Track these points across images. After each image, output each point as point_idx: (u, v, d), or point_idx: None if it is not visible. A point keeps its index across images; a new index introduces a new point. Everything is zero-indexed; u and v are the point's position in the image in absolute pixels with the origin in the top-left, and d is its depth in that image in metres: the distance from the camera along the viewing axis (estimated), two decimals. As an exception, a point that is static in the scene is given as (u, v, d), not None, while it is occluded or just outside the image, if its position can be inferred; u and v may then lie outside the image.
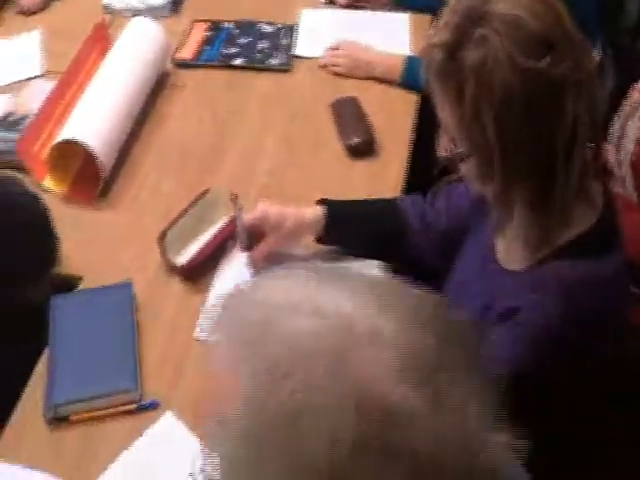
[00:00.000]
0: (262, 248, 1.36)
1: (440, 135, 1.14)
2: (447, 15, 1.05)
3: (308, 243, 1.40)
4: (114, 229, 1.51)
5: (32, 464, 1.17)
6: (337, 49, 1.80)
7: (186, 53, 1.87)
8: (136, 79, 1.72)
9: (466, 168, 1.13)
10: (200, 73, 1.84)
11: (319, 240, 1.40)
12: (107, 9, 2.04)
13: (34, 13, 2.09)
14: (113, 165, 1.59)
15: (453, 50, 1.02)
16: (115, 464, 1.17)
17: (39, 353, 1.33)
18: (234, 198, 1.36)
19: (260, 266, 1.34)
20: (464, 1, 1.06)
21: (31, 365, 1.33)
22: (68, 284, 1.42)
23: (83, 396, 1.24)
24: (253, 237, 1.36)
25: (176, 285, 1.39)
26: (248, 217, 1.35)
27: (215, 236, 1.40)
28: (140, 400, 1.23)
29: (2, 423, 1.24)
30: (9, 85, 1.86)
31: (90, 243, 1.48)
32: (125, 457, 1.18)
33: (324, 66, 1.81)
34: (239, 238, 1.36)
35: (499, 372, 1.10)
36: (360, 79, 1.77)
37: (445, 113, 1.08)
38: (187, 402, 1.22)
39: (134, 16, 1.92)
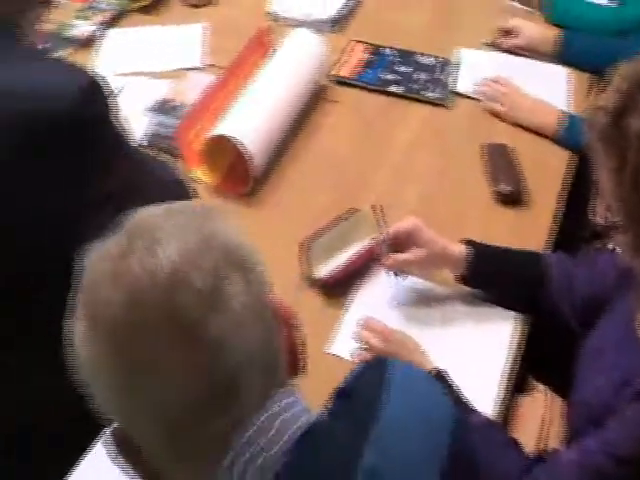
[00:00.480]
0: (401, 257, 1.36)
1: (595, 199, 1.13)
2: (616, 80, 1.04)
3: (447, 278, 1.41)
4: (257, 229, 1.51)
5: None
6: (497, 82, 1.81)
7: (345, 71, 1.90)
8: (294, 88, 1.75)
9: (620, 239, 1.11)
10: (355, 92, 1.86)
11: (460, 279, 1.39)
12: (271, 16, 2.09)
13: (199, 6, 2.16)
14: (264, 167, 1.62)
15: (619, 116, 1.01)
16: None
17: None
18: (378, 209, 1.37)
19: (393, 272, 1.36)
20: (635, 68, 1.05)
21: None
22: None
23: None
24: (392, 247, 1.36)
25: (312, 297, 1.40)
26: (398, 224, 1.35)
27: (359, 255, 1.41)
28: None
29: None
30: (170, 72, 1.93)
31: (233, 238, 1.51)
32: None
33: (482, 94, 1.81)
34: (381, 245, 1.37)
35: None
36: (513, 125, 1.76)
37: (603, 178, 1.06)
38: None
39: (296, 27, 1.96)
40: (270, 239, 1.51)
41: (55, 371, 1.01)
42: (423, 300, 1.41)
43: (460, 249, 1.38)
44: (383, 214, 1.38)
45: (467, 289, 1.41)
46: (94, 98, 1.26)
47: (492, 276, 1.38)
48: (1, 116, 1.21)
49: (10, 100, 1.22)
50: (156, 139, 1.73)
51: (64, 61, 1.32)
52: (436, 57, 1.93)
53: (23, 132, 1.21)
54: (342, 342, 1.33)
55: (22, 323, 1.32)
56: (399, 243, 1.36)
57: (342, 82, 1.88)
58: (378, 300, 1.39)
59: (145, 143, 1.71)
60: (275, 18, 2.09)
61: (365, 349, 1.28)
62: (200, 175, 1.64)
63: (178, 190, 1.45)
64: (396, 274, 1.39)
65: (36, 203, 1.24)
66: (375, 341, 1.27)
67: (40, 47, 1.40)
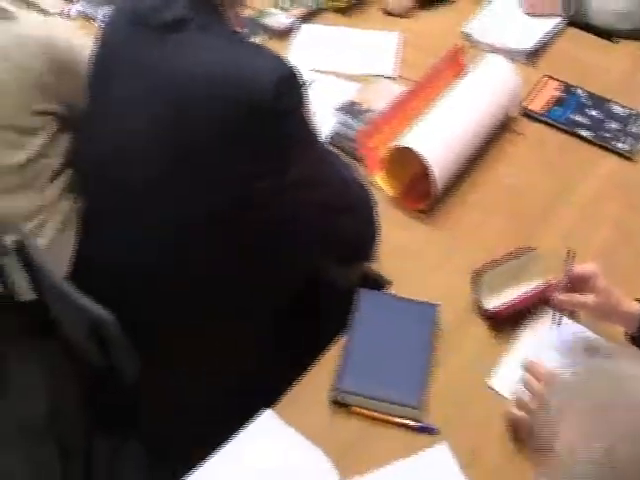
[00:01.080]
0: (577, 297, 1.33)
1: None
2: None
3: (615, 333, 1.37)
4: (432, 247, 1.54)
5: (306, 433, 1.22)
6: None
7: (535, 105, 1.88)
8: (484, 113, 1.75)
9: None
10: (542, 128, 1.84)
11: (629, 338, 1.36)
12: (466, 37, 2.09)
13: (397, 16, 2.18)
14: (444, 186, 1.62)
15: None
16: (381, 472, 1.20)
17: (332, 334, 1.38)
18: (570, 254, 1.35)
19: (560, 309, 1.35)
20: None
21: (321, 342, 1.39)
22: (376, 282, 1.47)
23: (367, 393, 1.27)
24: (568, 289, 1.34)
25: (481, 326, 1.40)
26: (580, 267, 1.33)
27: (531, 294, 1.39)
28: (420, 420, 1.25)
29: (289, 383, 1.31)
30: (360, 75, 1.96)
31: (406, 252, 1.52)
32: (390, 470, 1.20)
33: None
34: (559, 284, 1.35)
35: None
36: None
37: None
38: (464, 439, 1.23)
39: (490, 52, 1.95)
40: (442, 259, 1.52)
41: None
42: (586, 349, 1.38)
43: (635, 307, 1.34)
44: (573, 260, 1.35)
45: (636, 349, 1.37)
46: (292, 89, 1.30)
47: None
48: (202, 98, 1.27)
49: (214, 84, 1.27)
50: (339, 139, 1.76)
51: (267, 48, 1.35)
52: (630, 109, 1.88)
53: (223, 118, 1.26)
54: (503, 378, 1.32)
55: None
56: (575, 286, 1.34)
57: (530, 116, 1.86)
58: (544, 342, 1.37)
59: (328, 141, 1.74)
60: (469, 39, 2.09)
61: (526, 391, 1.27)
62: (379, 182, 1.65)
63: (359, 191, 1.48)
64: (561, 316, 1.37)
65: (230, 189, 1.29)
66: (537, 385, 1.26)
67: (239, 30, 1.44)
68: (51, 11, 1.58)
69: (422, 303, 1.40)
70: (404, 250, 1.53)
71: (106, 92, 1.43)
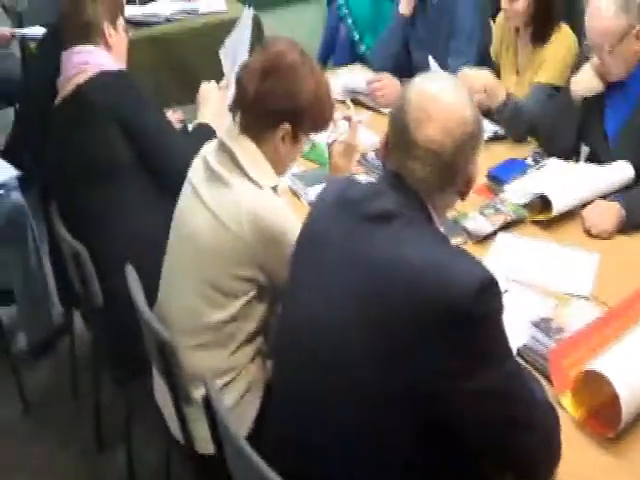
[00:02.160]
0: None
1: None
2: None
3: None
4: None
5: None
6: None
7: None
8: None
9: None
10: None
11: None
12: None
13: (596, 237, 2.18)
14: (633, 416, 1.56)
15: None
16: None
17: None
18: None
19: None
20: None
21: None
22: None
23: None
24: None
25: None
26: None
27: None
28: None
29: None
30: (556, 292, 1.96)
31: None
32: None
33: None
34: None
35: None
36: None
37: None
38: None
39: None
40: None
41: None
42: None
43: None
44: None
45: None
46: (491, 296, 1.33)
47: None
48: (400, 292, 1.32)
49: (414, 280, 1.32)
50: (530, 353, 1.75)
51: (468, 252, 1.41)
52: None
53: (419, 314, 1.30)
54: None
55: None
56: None
57: None
58: None
59: (518, 354, 1.73)
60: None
61: None
62: (566, 404, 1.62)
63: (546, 410, 1.45)
64: None
65: (417, 382, 1.31)
66: None
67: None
68: (261, 183, 1.74)
69: None
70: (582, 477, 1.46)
71: (309, 267, 1.52)
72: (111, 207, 2.22)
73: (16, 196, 2.81)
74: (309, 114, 1.78)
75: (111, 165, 2.21)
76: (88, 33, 2.29)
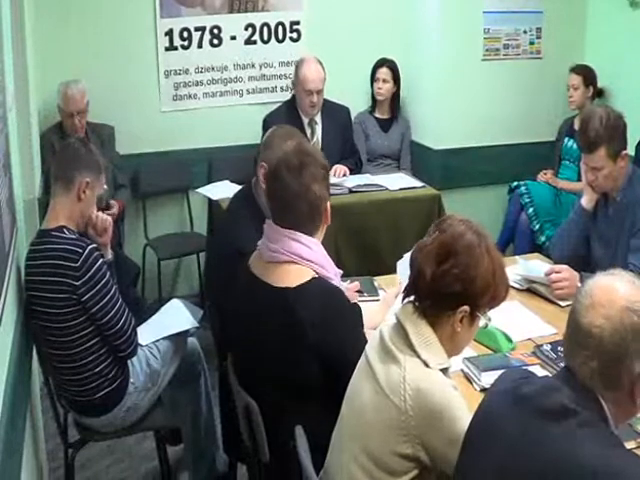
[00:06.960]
0: None
1: None
2: None
3: None
4: None
5: None
6: None
7: None
8: None
9: None
10: None
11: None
12: None
13: None
14: None
15: None
16: None
17: None
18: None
19: None
20: None
21: None
22: None
23: None
24: None
25: None
26: None
27: None
28: None
29: None
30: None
31: None
32: None
33: None
34: None
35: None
36: None
37: None
38: None
39: None
40: None
41: None
42: None
43: None
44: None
45: None
46: None
47: None
48: None
49: None
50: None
51: None
52: None
53: None
54: None
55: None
56: None
57: None
58: None
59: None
60: None
61: None
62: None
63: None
64: None
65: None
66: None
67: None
68: (431, 364, 1.75)
69: None
70: None
71: (479, 456, 1.52)
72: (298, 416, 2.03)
73: (193, 342, 2.95)
74: (486, 294, 1.77)
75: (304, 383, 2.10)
76: (313, 218, 2.15)
